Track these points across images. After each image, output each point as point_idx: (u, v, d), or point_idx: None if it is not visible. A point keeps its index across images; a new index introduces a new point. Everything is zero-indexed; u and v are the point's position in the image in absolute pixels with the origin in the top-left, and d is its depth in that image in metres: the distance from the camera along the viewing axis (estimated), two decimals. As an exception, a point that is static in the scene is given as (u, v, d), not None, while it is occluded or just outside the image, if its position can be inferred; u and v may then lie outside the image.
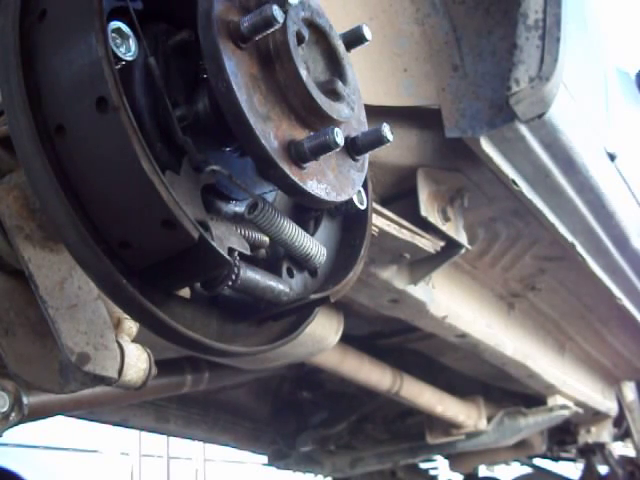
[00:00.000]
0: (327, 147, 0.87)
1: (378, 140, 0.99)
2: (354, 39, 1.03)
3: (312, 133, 0.91)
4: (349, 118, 0.97)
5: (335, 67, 0.99)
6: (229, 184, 0.93)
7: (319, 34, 0.97)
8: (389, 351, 3.05)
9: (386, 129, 0.98)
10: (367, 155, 1.04)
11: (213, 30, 0.82)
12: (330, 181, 0.93)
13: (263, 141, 0.83)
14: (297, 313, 1.02)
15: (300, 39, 0.91)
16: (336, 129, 0.87)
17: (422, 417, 3.50)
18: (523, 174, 1.91)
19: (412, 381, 3.01)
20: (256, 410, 3.60)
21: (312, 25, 0.95)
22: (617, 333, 3.31)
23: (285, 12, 0.88)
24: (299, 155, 0.87)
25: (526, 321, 2.96)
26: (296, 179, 0.87)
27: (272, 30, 0.85)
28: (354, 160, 1.00)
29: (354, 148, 1.00)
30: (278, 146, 0.85)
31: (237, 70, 0.83)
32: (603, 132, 2.33)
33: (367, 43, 1.03)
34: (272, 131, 0.85)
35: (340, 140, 0.87)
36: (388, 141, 0.98)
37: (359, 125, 1.05)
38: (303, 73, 0.89)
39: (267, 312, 0.97)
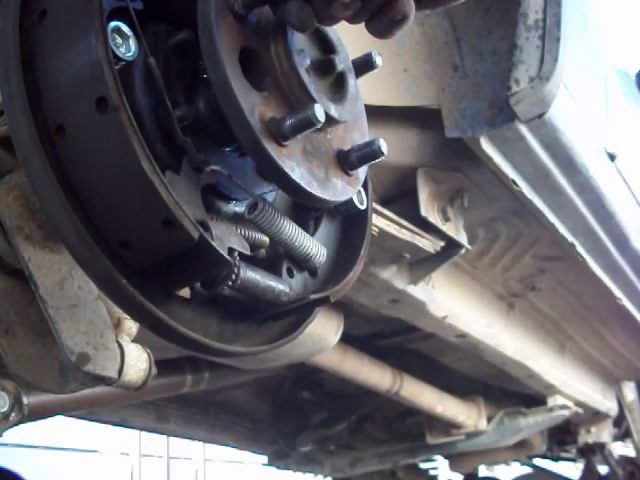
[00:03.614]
0: (309, 124, 0.84)
1: (372, 154, 0.96)
2: (364, 66, 1.02)
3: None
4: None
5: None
6: (229, 184, 0.93)
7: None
8: (389, 351, 3.04)
9: (380, 142, 0.95)
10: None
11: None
12: (330, 181, 0.93)
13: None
14: (297, 313, 1.02)
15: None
16: (316, 105, 0.84)
17: (422, 417, 3.50)
18: (523, 174, 1.91)
19: (412, 381, 3.01)
20: (256, 410, 3.60)
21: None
22: (617, 333, 3.31)
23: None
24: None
25: (526, 321, 2.96)
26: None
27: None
28: (348, 175, 0.97)
29: (347, 162, 0.97)
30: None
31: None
32: (603, 132, 2.33)
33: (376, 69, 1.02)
34: (272, 131, 0.85)
35: (320, 115, 0.83)
36: (382, 155, 0.95)
37: (361, 137, 1.03)
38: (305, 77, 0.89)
39: (267, 312, 0.97)
